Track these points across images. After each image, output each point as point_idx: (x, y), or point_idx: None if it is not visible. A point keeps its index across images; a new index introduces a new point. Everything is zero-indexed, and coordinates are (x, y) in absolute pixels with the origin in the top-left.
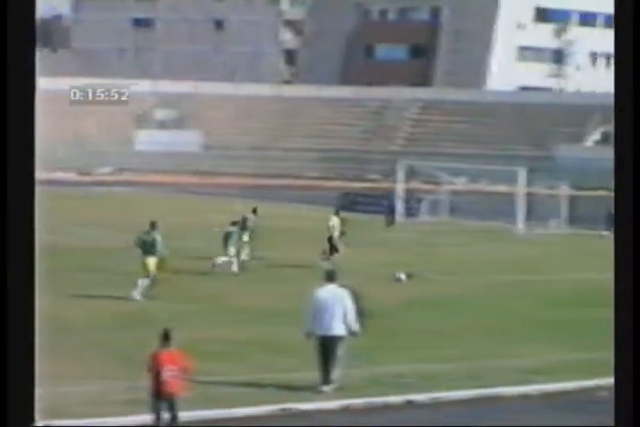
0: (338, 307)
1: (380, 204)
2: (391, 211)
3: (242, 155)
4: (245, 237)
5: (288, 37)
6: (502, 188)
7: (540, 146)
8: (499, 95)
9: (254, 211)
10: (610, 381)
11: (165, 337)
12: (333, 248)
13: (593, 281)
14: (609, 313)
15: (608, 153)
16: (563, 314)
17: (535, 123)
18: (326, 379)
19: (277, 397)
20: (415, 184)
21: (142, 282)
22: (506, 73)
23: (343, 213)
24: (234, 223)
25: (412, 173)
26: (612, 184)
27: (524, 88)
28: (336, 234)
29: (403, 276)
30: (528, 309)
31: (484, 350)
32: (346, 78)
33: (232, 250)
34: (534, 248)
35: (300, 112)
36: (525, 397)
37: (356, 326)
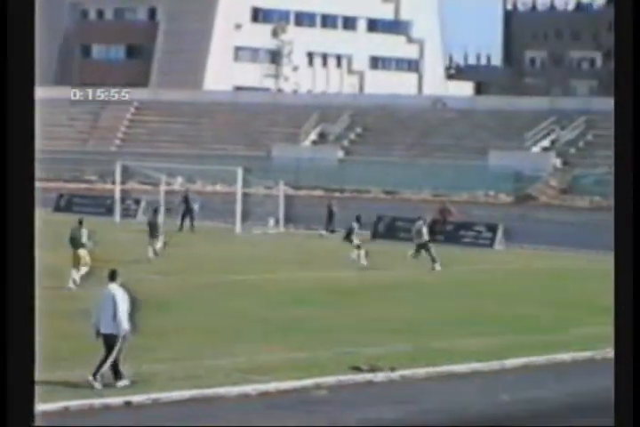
0: (112, 306)
1: (97, 204)
2: (189, 213)
3: None
4: None
5: None
6: (219, 188)
7: (257, 146)
8: (215, 95)
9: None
10: (327, 380)
11: None
12: (430, 253)
13: (310, 280)
14: (324, 312)
15: (324, 153)
16: (279, 313)
17: (252, 123)
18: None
19: None
20: (132, 185)
21: (81, 271)
22: (223, 73)
23: (59, 215)
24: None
25: (128, 174)
26: (328, 183)
27: (242, 88)
28: (426, 238)
29: (438, 266)
30: (246, 308)
31: (204, 350)
32: (62, 78)
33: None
34: (252, 248)
35: None
36: (245, 396)
37: (125, 326)
